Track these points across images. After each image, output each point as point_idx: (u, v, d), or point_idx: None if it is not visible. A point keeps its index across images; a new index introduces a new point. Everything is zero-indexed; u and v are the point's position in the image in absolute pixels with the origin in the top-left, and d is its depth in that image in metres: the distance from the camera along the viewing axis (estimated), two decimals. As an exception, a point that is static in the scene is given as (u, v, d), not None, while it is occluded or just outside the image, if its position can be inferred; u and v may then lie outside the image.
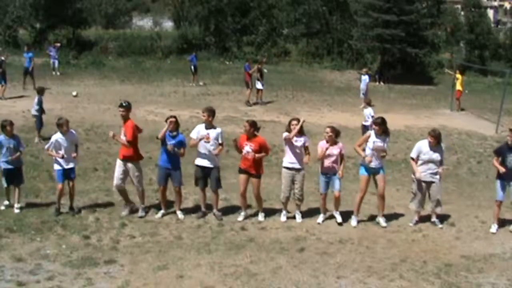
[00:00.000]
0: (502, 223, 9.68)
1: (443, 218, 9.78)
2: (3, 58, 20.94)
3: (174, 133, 9.07)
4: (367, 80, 23.96)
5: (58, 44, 28.74)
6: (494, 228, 9.34)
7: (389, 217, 9.77)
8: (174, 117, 9.20)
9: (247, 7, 37.30)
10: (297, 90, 25.79)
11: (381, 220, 9.43)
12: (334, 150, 9.09)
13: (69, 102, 19.89)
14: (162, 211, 9.43)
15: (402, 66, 32.84)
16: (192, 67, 26.35)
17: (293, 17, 37.36)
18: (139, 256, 7.76)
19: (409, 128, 18.39)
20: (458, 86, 22.39)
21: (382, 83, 30.40)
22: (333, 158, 9.11)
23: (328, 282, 7.22)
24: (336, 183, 9.22)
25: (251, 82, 21.71)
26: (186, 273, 7.30)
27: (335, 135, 9.14)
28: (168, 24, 45.54)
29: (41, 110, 14.26)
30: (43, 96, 14.67)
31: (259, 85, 21.88)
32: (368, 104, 15.31)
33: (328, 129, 9.17)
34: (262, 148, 9.11)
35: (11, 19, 34.23)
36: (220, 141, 9.20)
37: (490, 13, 57.59)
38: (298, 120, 9.20)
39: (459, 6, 47.45)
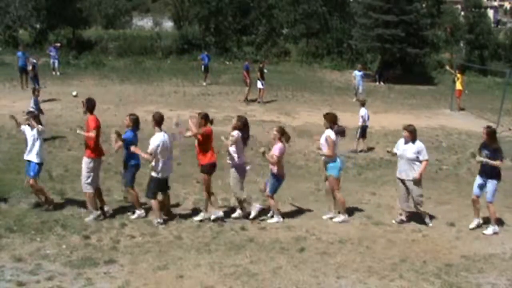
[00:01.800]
0: (500, 222, 9.70)
1: (443, 218, 9.78)
2: (34, 60, 20.90)
3: (126, 130, 9.17)
4: (363, 76, 24.01)
5: (59, 44, 28.74)
6: (472, 224, 9.36)
7: (389, 217, 9.77)
8: (131, 115, 9.32)
9: (247, 7, 37.29)
10: (297, 90, 25.79)
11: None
12: (273, 150, 9.11)
13: (69, 102, 19.88)
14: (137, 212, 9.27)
15: (402, 66, 32.84)
16: (202, 67, 26.54)
17: (293, 17, 37.35)
18: (139, 256, 7.76)
19: (409, 128, 18.35)
20: (459, 86, 22.40)
21: (382, 83, 30.38)
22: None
23: (328, 282, 7.21)
24: (268, 185, 9.26)
25: (250, 80, 21.85)
26: (186, 273, 7.30)
27: (280, 135, 9.11)
28: (168, 24, 45.50)
29: (38, 111, 14.28)
30: (38, 96, 14.73)
31: (259, 85, 21.99)
32: (363, 104, 15.19)
33: (274, 129, 9.27)
34: (203, 137, 8.93)
35: (11, 19, 34.20)
36: (149, 149, 8.68)
37: (490, 13, 57.63)
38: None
39: (459, 6, 47.47)
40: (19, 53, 22.57)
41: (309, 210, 9.89)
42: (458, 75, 22.60)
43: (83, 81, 25.53)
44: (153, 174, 8.84)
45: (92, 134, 8.82)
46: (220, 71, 30.27)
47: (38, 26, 35.76)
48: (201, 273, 7.32)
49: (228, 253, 7.97)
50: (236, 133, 9.00)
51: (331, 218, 9.49)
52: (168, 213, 9.27)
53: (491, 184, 9.11)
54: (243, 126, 9.10)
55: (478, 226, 9.35)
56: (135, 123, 9.23)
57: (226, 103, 21.55)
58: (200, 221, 9.10)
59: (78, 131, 9.23)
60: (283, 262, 7.75)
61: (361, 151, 14.79)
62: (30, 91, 16.50)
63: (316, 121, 18.77)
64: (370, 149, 15.09)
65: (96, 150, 9.00)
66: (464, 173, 13.36)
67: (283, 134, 9.14)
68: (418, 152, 9.17)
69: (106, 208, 9.26)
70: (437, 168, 13.57)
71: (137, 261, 7.60)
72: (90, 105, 9.04)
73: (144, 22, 47.96)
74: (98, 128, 8.97)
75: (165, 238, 8.47)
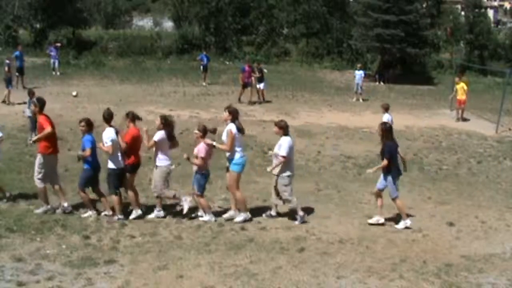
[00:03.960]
0: (503, 221, 9.72)
1: (443, 218, 9.78)
2: (8, 61, 20.79)
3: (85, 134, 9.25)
4: (363, 75, 24.05)
5: (59, 44, 28.72)
6: (371, 219, 9.39)
7: (389, 217, 9.77)
8: (83, 120, 9.40)
9: (247, 7, 37.33)
10: (297, 90, 25.79)
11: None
12: (197, 151, 9.09)
13: (69, 102, 19.88)
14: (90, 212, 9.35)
15: (402, 66, 32.83)
16: (201, 67, 26.57)
17: (293, 17, 37.37)
18: (139, 256, 7.76)
19: (409, 128, 18.38)
20: (461, 94, 20.17)
21: (382, 83, 30.39)
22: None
23: (328, 282, 7.21)
24: (194, 185, 9.23)
25: (245, 82, 21.97)
26: (186, 273, 7.30)
27: (202, 134, 9.09)
28: (168, 24, 45.50)
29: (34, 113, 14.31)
30: (34, 97, 14.72)
31: (258, 85, 22.06)
32: (386, 109, 14.94)
33: (196, 128, 9.22)
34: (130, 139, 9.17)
35: (11, 19, 34.19)
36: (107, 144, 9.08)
37: (490, 13, 57.57)
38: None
39: (459, 6, 47.46)
40: (17, 53, 22.54)
41: (309, 210, 9.87)
42: (459, 80, 20.64)
43: (83, 81, 25.53)
44: (112, 166, 9.05)
45: (49, 129, 9.02)
46: (220, 71, 30.28)
47: (38, 26, 35.76)
48: (201, 273, 7.32)
49: (228, 253, 7.97)
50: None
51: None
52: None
53: (387, 181, 9.20)
54: (167, 125, 9.14)
55: (379, 223, 9.28)
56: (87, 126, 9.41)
57: (226, 103, 21.45)
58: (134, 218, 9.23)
59: (31, 139, 9.34)
60: (283, 262, 7.74)
61: None
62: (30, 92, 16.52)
63: (316, 121, 18.81)
64: None
65: (48, 147, 9.13)
66: (464, 173, 13.36)
67: (205, 133, 9.13)
68: (279, 147, 9.17)
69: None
70: (437, 168, 13.56)
71: (137, 261, 7.60)
72: (40, 105, 9.29)
73: (144, 22, 47.98)
74: (52, 125, 9.16)
75: (165, 238, 8.47)
